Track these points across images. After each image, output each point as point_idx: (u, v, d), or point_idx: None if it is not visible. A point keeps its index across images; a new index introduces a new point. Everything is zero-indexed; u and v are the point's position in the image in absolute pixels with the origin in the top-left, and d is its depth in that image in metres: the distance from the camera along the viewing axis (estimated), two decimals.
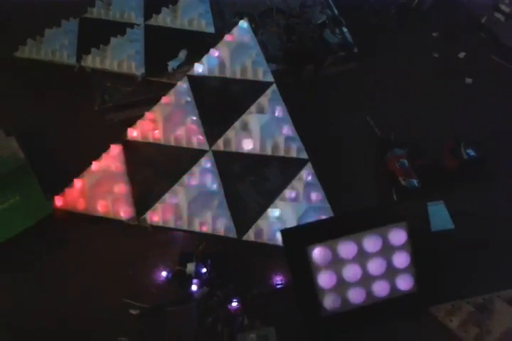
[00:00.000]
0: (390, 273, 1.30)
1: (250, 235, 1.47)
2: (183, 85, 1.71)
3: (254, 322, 1.32)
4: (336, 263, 1.27)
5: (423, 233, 1.26)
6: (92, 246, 1.51)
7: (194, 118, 1.65)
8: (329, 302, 1.28)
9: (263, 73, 1.67)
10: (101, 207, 1.54)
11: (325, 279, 1.27)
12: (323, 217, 1.45)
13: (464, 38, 1.82)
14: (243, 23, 1.74)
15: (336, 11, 1.87)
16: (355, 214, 1.29)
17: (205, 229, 1.49)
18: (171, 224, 1.50)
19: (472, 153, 1.48)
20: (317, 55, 1.76)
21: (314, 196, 1.50)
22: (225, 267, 1.45)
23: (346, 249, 1.26)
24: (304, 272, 1.27)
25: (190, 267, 1.43)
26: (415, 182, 1.49)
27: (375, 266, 1.28)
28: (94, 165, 1.60)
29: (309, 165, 1.55)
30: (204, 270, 1.42)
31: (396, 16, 1.89)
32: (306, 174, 1.53)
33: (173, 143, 1.64)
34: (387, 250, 1.28)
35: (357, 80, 1.78)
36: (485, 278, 1.32)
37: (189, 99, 1.69)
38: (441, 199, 1.44)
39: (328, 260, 1.26)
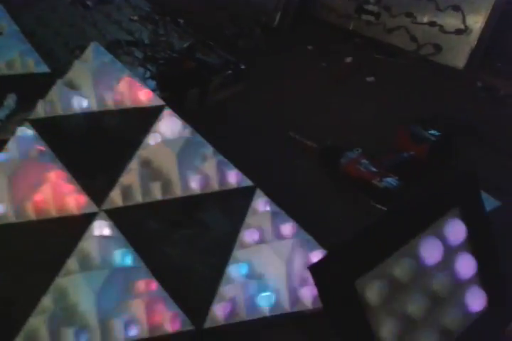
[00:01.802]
0: (458, 291, 0.86)
1: (216, 317, 0.88)
2: (25, 133, 1.13)
3: None
4: (395, 297, 0.79)
5: (479, 218, 0.89)
6: None
7: (60, 171, 1.07)
8: None
9: (147, 97, 1.21)
10: None
11: (390, 328, 0.77)
12: (313, 253, 0.98)
13: (341, 46, 1.67)
14: (96, 45, 1.29)
15: (197, 37, 1.56)
16: (393, 214, 0.85)
17: (135, 332, 0.85)
18: None
19: (436, 133, 1.22)
20: (201, 76, 1.38)
21: (286, 229, 1.01)
22: None
23: (404, 270, 0.79)
24: (360, 328, 0.75)
25: None
26: (394, 180, 1.14)
27: (441, 286, 0.83)
28: None
29: (259, 192, 1.08)
30: None
31: (263, 36, 1.66)
32: (262, 204, 1.06)
33: (32, 217, 1.01)
34: (448, 256, 0.85)
35: (254, 100, 1.44)
36: None
37: (42, 148, 1.11)
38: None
39: (386, 295, 0.78)
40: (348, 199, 1.17)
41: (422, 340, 0.80)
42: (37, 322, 0.82)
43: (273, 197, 1.08)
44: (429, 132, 1.22)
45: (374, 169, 1.17)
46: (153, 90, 1.30)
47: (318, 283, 0.73)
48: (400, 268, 0.80)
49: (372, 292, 0.76)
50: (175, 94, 1.34)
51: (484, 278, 0.89)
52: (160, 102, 1.21)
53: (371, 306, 0.76)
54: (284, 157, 1.27)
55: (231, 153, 1.17)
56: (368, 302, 0.76)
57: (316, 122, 1.39)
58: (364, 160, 1.19)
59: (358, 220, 1.10)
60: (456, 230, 0.86)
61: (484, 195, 0.94)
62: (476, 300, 0.87)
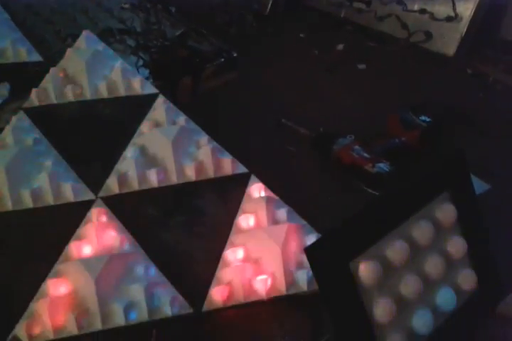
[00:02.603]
0: (449, 272, 0.88)
1: (214, 300, 0.90)
2: (20, 122, 1.13)
3: None
4: (388, 278, 0.81)
5: (469, 201, 0.91)
6: None
7: (55, 159, 1.07)
8: None
9: (140, 85, 1.21)
10: None
11: (383, 308, 0.79)
12: (308, 237, 1.00)
13: (332, 34, 1.68)
14: (88, 33, 1.29)
15: (189, 25, 1.56)
16: (385, 198, 0.87)
17: (135, 316, 0.87)
18: (72, 329, 0.84)
19: (427, 119, 1.24)
20: (194, 64, 1.38)
21: (281, 214, 1.03)
22: None
23: (397, 251, 0.81)
24: (354, 308, 0.77)
25: None
26: (386, 165, 1.16)
27: (432, 267, 0.86)
28: None
29: (254, 178, 1.10)
30: None
31: (255, 24, 1.67)
32: (257, 190, 1.07)
33: (29, 205, 1.02)
34: (439, 239, 0.87)
35: (246, 87, 1.45)
36: None
37: (37, 136, 1.11)
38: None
39: (379, 276, 0.80)
40: (341, 185, 1.19)
41: (414, 320, 0.83)
42: (38, 307, 0.83)
43: (267, 183, 1.10)
44: (420, 118, 1.24)
45: (366, 155, 1.18)
46: (146, 78, 1.31)
47: (313, 264, 0.75)
48: (392, 250, 0.82)
49: (366, 273, 0.78)
50: (167, 83, 1.34)
51: (474, 259, 0.91)
52: (154, 90, 1.22)
53: (364, 287, 0.78)
54: (277, 144, 1.28)
55: (224, 140, 1.17)
56: (361, 282, 0.78)
57: (308, 109, 1.40)
58: (356, 147, 1.20)
59: (350, 205, 1.12)
60: (446, 213, 0.88)
61: (474, 179, 0.97)
62: (466, 281, 0.90)
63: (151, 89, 1.22)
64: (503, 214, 1.02)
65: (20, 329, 0.81)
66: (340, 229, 0.81)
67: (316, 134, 1.28)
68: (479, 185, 1.03)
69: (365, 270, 0.79)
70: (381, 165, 1.16)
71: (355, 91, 1.45)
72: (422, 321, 0.83)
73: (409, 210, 0.87)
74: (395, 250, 0.83)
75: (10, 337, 0.81)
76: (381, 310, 0.79)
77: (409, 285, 0.83)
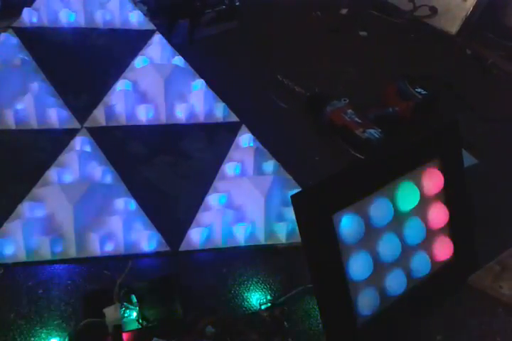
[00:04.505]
0: (428, 238, 0.90)
1: (192, 241, 0.89)
2: (8, 39, 1.06)
3: None
4: (369, 236, 0.82)
5: (456, 171, 0.92)
6: None
7: (42, 82, 1.02)
8: (366, 301, 0.81)
9: (138, 19, 1.16)
10: None
11: (359, 264, 0.80)
12: (292, 191, 0.99)
13: None
14: None
15: None
16: (374, 158, 0.87)
17: (111, 248, 0.86)
18: (45, 253, 0.82)
19: (423, 91, 1.24)
20: (194, 8, 1.33)
21: (267, 166, 1.02)
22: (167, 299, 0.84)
23: (381, 210, 0.81)
24: (330, 259, 0.78)
25: (112, 313, 0.77)
26: (376, 132, 1.16)
27: (412, 231, 0.87)
28: None
29: (244, 128, 1.08)
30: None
31: None
32: (246, 139, 1.05)
33: (12, 126, 0.97)
34: (423, 204, 0.88)
35: (244, 40, 1.41)
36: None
37: (25, 57, 1.05)
38: None
39: (359, 231, 0.80)
40: (330, 146, 1.18)
41: (388, 280, 0.84)
42: (11, 227, 0.80)
43: (256, 135, 1.08)
44: (416, 90, 1.24)
45: (358, 120, 1.18)
46: (144, 15, 1.25)
47: (297, 211, 0.74)
48: (375, 208, 0.81)
49: (347, 226, 0.78)
50: (165, 22, 1.29)
51: (454, 229, 0.92)
52: (151, 26, 1.17)
53: (344, 241, 0.78)
54: (270, 99, 1.26)
55: (217, 88, 1.14)
56: (341, 235, 0.78)
57: (305, 69, 1.37)
58: (350, 110, 1.19)
59: (335, 167, 1.12)
60: (433, 180, 0.89)
61: (464, 152, 0.97)
62: (443, 249, 0.91)
63: (148, 25, 1.17)
64: (485, 189, 1.04)
65: None
66: (328, 182, 0.80)
67: (311, 94, 1.26)
68: (468, 159, 1.04)
69: (347, 224, 0.78)
70: (372, 131, 1.16)
71: (354, 57, 1.43)
72: (395, 282, 0.85)
73: (396, 172, 0.86)
74: (379, 208, 0.82)
75: None
76: (357, 266, 0.80)
77: (387, 245, 0.83)
